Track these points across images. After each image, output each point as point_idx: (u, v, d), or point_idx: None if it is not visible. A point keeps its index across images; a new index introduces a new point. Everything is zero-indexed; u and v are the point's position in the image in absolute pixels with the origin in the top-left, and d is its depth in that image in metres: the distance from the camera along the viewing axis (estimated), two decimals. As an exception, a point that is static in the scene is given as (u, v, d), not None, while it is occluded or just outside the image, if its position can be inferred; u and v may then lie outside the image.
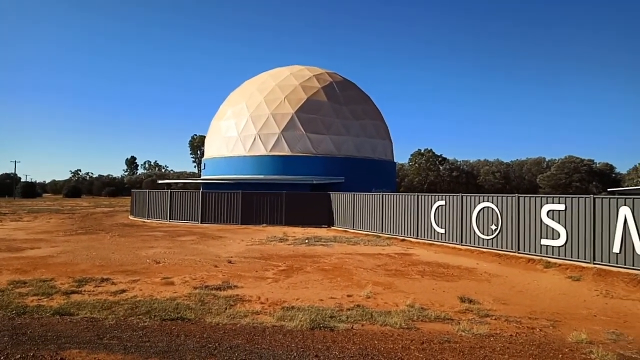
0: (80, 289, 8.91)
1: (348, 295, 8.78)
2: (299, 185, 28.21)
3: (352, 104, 33.04)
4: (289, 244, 16.87)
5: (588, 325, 6.97)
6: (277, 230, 21.85)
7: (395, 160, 38.64)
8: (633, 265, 10.79)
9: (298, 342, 5.88)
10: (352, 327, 6.60)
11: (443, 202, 16.87)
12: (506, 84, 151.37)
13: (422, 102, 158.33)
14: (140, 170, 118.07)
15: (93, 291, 8.80)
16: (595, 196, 12.05)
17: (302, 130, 30.35)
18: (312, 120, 30.78)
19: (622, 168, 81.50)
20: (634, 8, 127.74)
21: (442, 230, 16.81)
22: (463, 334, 6.39)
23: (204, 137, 41.82)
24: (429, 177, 77.78)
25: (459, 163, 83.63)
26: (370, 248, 16.20)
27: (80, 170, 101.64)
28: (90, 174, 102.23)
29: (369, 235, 20.26)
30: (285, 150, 30.19)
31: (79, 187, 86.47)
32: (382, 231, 20.11)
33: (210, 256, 13.73)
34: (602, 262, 11.52)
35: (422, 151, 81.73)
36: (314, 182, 28.54)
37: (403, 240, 18.30)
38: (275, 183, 28.34)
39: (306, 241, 17.68)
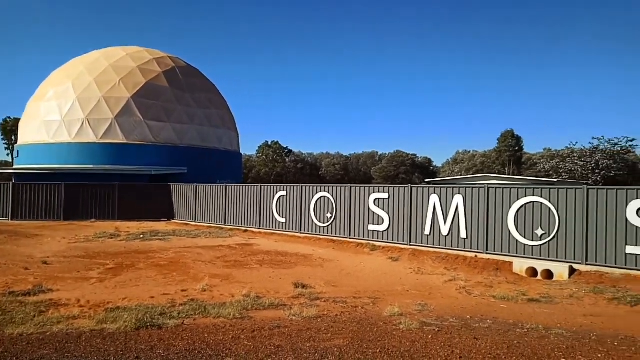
0: None
1: (182, 290, 8.45)
2: (136, 177, 26.14)
3: (196, 92, 31.78)
4: (120, 240, 15.53)
5: (402, 300, 7.88)
6: (109, 226, 19.93)
7: (242, 152, 38.52)
8: (439, 245, 12.60)
9: (119, 345, 5.41)
10: (182, 323, 6.35)
11: (284, 193, 17.37)
12: (354, 79, 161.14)
13: (270, 94, 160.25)
14: None
15: None
16: (412, 186, 13.71)
17: (140, 117, 28.14)
18: (151, 106, 28.74)
19: (438, 161, 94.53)
20: None
21: (284, 220, 17.32)
22: (294, 318, 6.65)
23: (19, 119, 35.87)
24: (276, 169, 79.60)
25: (303, 155, 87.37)
26: (211, 240, 15.86)
27: None
28: None
29: (211, 227, 19.82)
30: (119, 138, 27.61)
31: None
32: (225, 223, 19.86)
33: (21, 257, 11.86)
34: (416, 243, 13.17)
35: (270, 143, 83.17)
36: (153, 172, 26.77)
37: (246, 231, 18.35)
38: (107, 174, 25.82)
39: (141, 236, 16.50)
